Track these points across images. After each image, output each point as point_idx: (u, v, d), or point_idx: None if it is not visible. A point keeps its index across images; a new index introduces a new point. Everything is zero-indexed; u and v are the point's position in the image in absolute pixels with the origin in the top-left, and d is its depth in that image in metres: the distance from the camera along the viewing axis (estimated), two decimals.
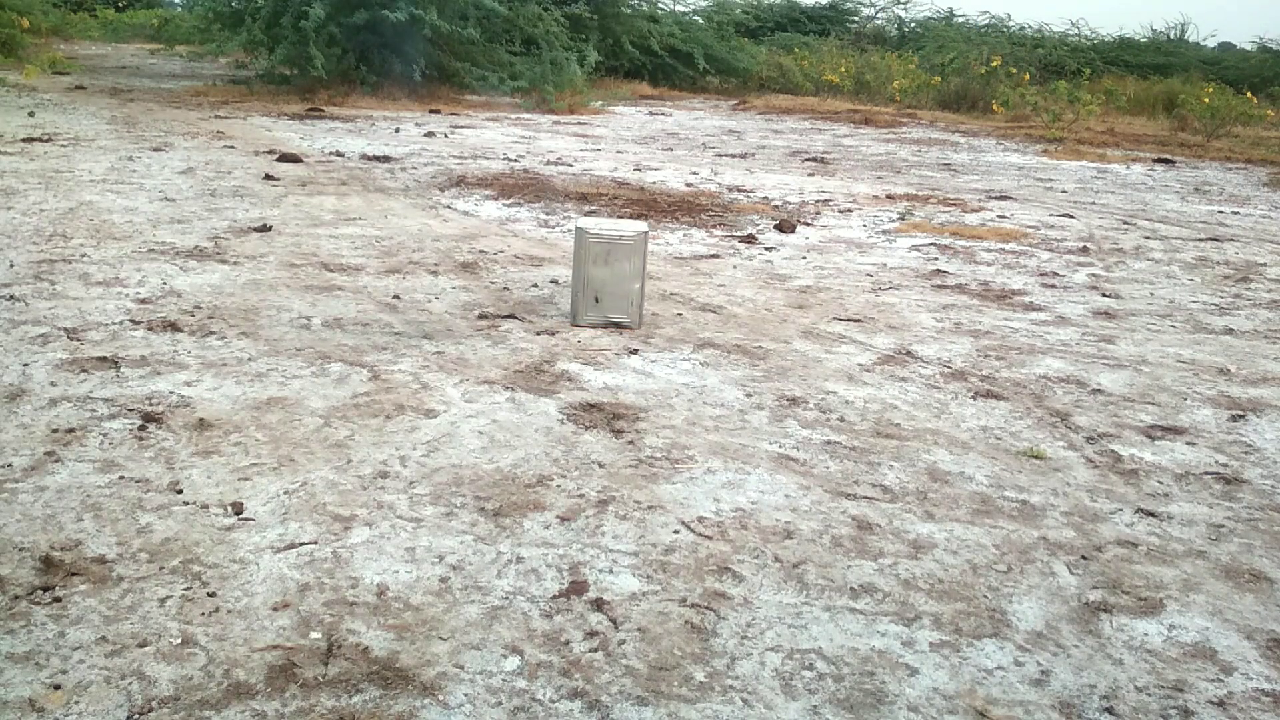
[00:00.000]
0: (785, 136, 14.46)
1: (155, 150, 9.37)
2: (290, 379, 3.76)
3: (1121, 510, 3.07)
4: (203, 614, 2.27)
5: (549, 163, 10.20)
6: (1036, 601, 2.53)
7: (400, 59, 15.66)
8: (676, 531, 2.78)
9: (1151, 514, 3.05)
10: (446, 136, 11.80)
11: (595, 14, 19.74)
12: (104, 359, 3.84)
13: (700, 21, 24.93)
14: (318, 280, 5.17)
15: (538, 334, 4.52)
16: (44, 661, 2.09)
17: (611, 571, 2.56)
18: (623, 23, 20.88)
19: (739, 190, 9.13)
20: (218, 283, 5.02)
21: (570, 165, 10.13)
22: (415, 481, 2.99)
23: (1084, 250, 7.13)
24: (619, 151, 11.60)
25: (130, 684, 2.03)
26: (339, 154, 9.85)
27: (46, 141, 9.45)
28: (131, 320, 4.34)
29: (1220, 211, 9.26)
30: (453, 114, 14.56)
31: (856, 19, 33.07)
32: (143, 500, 2.78)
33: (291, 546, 2.57)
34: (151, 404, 3.45)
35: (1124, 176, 11.59)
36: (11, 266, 5.05)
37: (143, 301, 4.62)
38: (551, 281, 5.43)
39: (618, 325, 4.63)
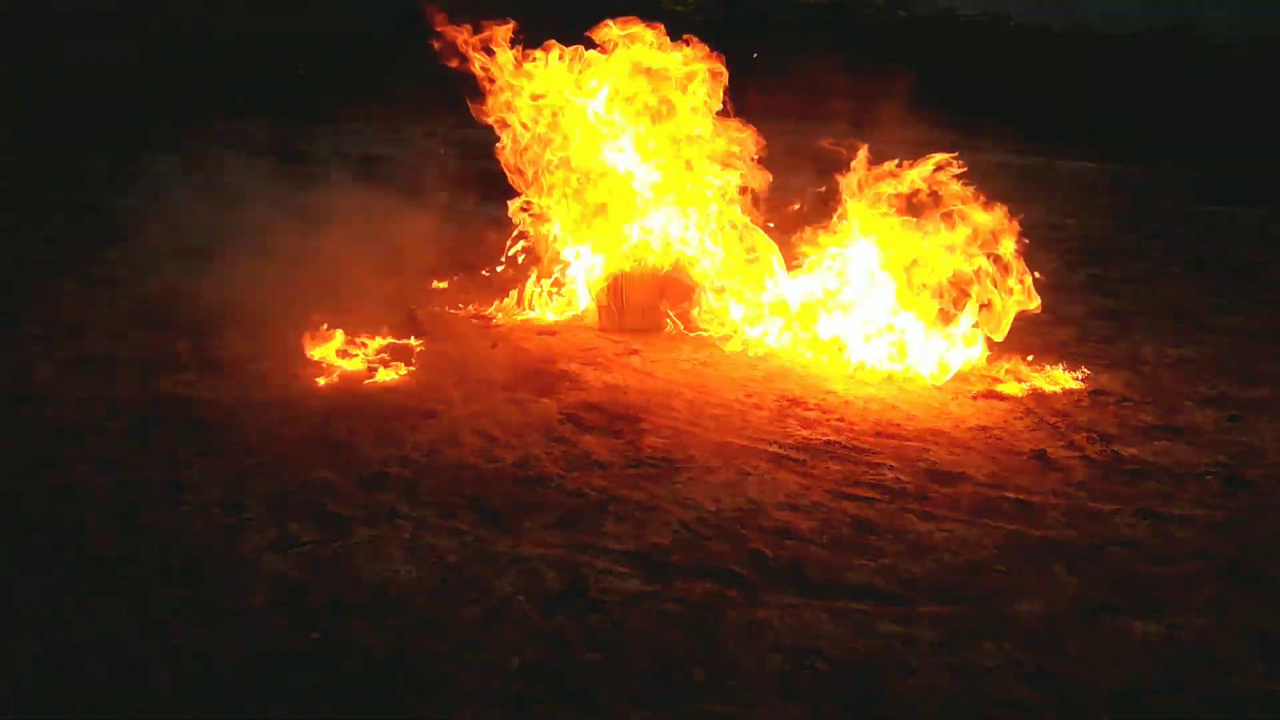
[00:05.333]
0: None
1: None
2: None
3: (1121, 510, 3.07)
4: None
5: None
6: (1036, 601, 2.53)
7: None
8: (676, 531, 2.78)
9: (1151, 514, 3.05)
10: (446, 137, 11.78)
11: None
12: None
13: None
14: None
15: (538, 334, 4.52)
16: None
17: (611, 572, 2.56)
18: None
19: None
20: None
21: None
22: (415, 481, 2.99)
23: (1084, 250, 7.13)
24: None
25: None
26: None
27: None
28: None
29: (1220, 211, 9.25)
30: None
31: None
32: None
33: None
34: None
35: (1124, 176, 11.58)
36: None
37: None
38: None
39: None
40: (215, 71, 12.19)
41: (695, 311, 4.63)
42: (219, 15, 14.38)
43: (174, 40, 13.33)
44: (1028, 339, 4.88)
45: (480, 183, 8.60)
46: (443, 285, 5.16)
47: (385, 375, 3.87)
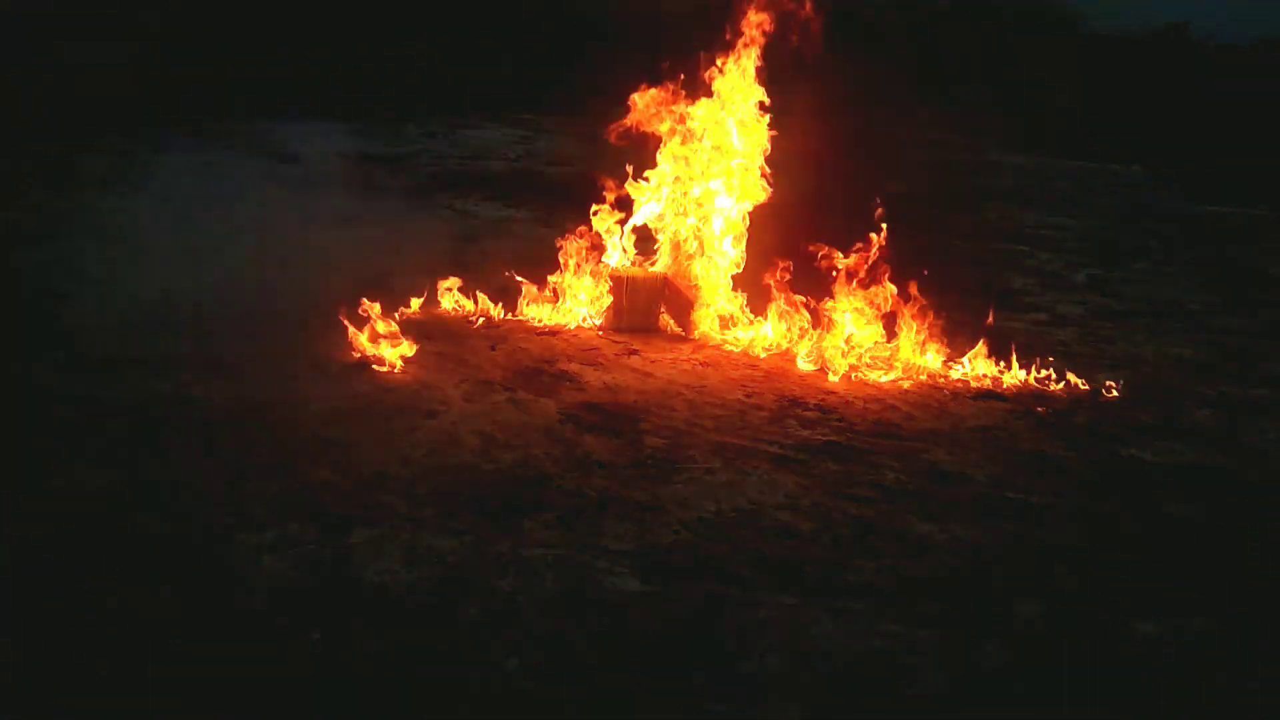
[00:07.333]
0: None
1: None
2: None
3: (1121, 510, 3.07)
4: None
5: (549, 163, 10.18)
6: (1037, 601, 2.53)
7: None
8: (676, 531, 2.78)
9: (1152, 513, 3.05)
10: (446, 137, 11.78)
11: None
12: None
13: None
14: None
15: (538, 334, 4.52)
16: None
17: (611, 571, 2.56)
18: None
19: None
20: None
21: (570, 165, 10.11)
22: (415, 481, 2.99)
23: (1084, 250, 7.13)
24: None
25: None
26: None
27: None
28: None
29: (1220, 211, 9.26)
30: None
31: None
32: None
33: None
34: None
35: (1125, 177, 11.58)
36: None
37: None
38: None
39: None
40: (215, 71, 12.19)
41: (695, 314, 4.64)
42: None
43: (174, 40, 13.33)
44: (1029, 339, 4.88)
45: (480, 184, 8.61)
46: (443, 285, 5.16)
47: (385, 374, 3.87)
